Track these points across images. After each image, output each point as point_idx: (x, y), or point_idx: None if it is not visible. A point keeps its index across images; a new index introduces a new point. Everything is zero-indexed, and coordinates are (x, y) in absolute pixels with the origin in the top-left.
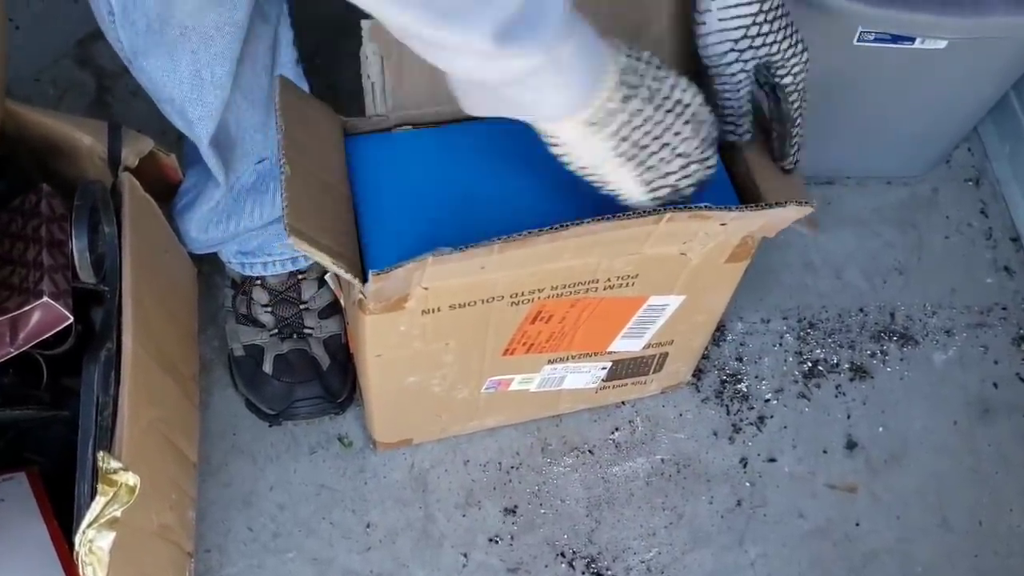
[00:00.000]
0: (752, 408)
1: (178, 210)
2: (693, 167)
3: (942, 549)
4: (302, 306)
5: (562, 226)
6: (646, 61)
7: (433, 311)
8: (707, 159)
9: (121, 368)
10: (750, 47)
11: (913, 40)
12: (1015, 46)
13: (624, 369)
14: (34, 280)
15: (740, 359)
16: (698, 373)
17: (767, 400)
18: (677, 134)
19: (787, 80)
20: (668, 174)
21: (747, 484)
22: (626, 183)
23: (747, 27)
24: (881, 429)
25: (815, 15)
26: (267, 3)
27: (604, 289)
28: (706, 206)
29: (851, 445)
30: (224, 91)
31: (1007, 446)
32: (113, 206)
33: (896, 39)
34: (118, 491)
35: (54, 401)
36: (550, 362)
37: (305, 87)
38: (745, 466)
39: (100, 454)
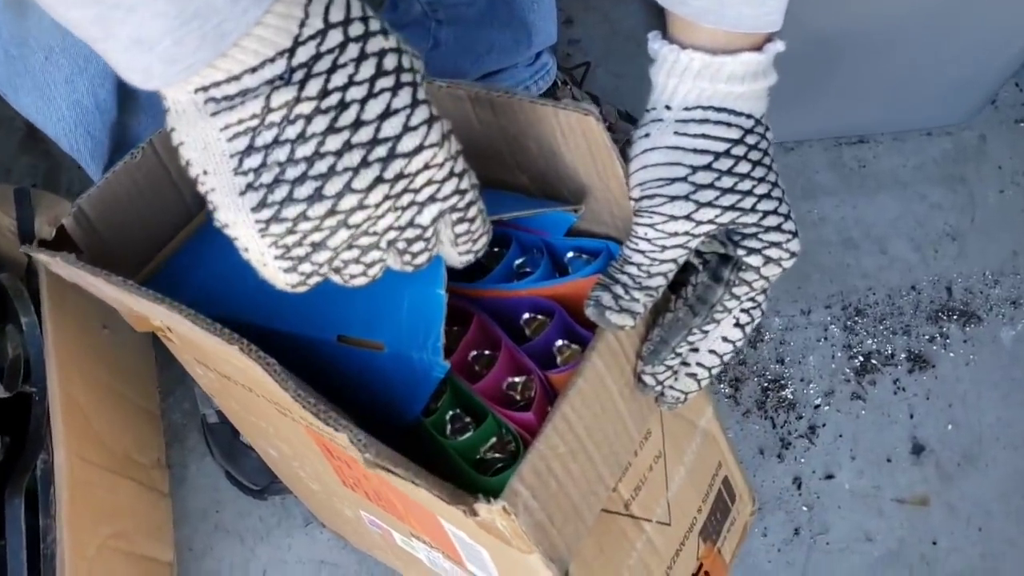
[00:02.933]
0: (801, 417)
1: None
2: (373, 251)
3: None
4: None
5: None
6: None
7: (202, 368)
8: (421, 240)
9: (56, 487)
10: (714, 186)
11: None
12: None
13: None
14: None
15: (781, 361)
16: (735, 383)
17: (817, 406)
18: (359, 169)
19: (752, 261)
20: (321, 244)
21: (803, 508)
22: (252, 245)
23: (717, 154)
24: (950, 427)
25: None
26: None
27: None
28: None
29: (918, 449)
30: (110, 115)
31: None
32: (29, 291)
33: None
34: None
35: None
36: (412, 535)
37: None
38: (799, 487)
39: None
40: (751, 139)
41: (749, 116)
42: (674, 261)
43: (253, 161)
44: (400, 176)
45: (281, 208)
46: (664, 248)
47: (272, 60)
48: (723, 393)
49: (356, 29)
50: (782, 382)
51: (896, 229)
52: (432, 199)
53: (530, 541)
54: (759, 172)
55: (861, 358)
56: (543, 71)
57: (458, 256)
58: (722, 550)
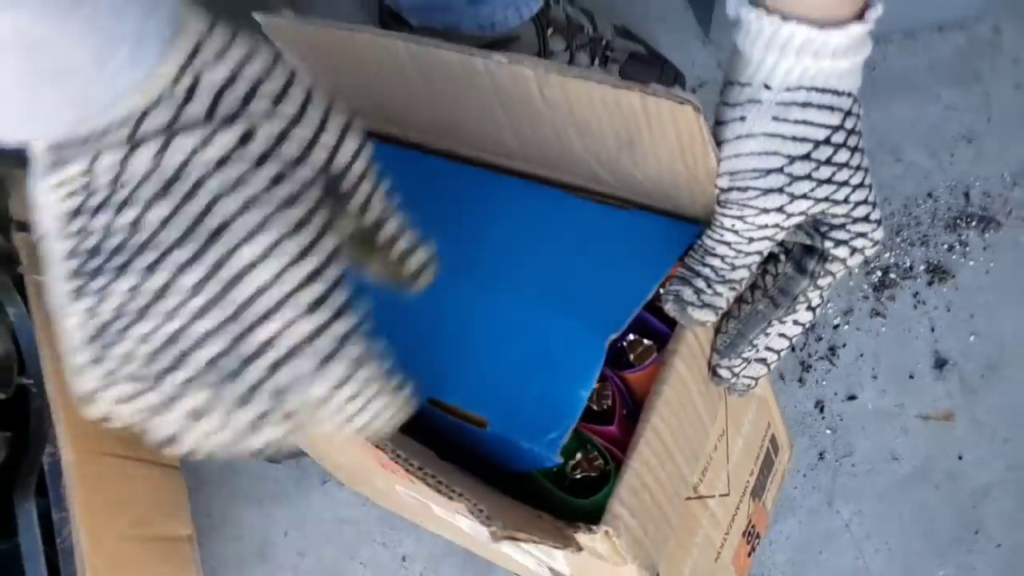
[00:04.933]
0: (820, 339)
1: None
2: (193, 365)
3: None
4: None
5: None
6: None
7: None
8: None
9: (66, 482)
10: (811, 177)
11: None
12: None
13: None
14: None
15: None
16: None
17: (836, 326)
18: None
19: (838, 253)
20: (128, 328)
21: (827, 431)
22: (66, 322)
23: (817, 142)
24: (972, 338)
25: None
26: None
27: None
28: None
29: (940, 364)
30: None
31: None
32: (12, 279)
33: None
34: None
35: (4, 531)
36: (458, 512)
37: None
38: (822, 410)
39: None
40: (850, 122)
41: (849, 95)
42: (759, 253)
43: (78, 224)
44: (232, 282)
45: (92, 278)
46: (752, 240)
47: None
48: None
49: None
50: None
51: (910, 135)
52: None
53: (628, 556)
54: (856, 160)
55: (879, 273)
56: None
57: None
58: (766, 502)
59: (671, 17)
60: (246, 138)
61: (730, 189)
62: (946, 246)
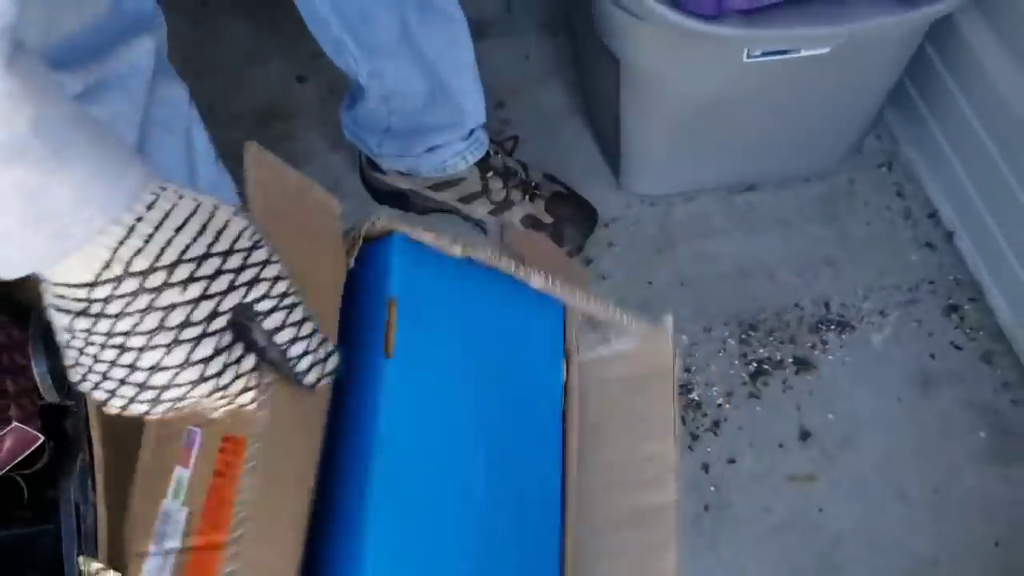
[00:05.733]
0: (706, 415)
1: None
2: None
3: (904, 521)
4: None
5: None
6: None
7: None
8: None
9: (94, 479)
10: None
11: (798, 50)
12: (890, 43)
13: None
14: (2, 407)
15: (688, 370)
16: None
17: (719, 405)
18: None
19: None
20: None
21: (711, 488)
22: None
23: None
24: (831, 416)
25: (704, 41)
26: (169, 119)
27: None
28: None
29: (805, 436)
30: None
31: (951, 413)
32: None
33: (782, 52)
34: None
35: (38, 516)
36: None
37: (228, 180)
38: (707, 471)
39: (79, 559)
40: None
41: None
42: None
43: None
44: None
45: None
46: None
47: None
48: None
49: (154, 280)
50: (690, 387)
51: (782, 260)
52: None
53: None
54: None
55: (755, 364)
56: (476, 143)
57: None
58: None
59: (590, 169)
60: (186, 283)
61: None
62: (810, 344)
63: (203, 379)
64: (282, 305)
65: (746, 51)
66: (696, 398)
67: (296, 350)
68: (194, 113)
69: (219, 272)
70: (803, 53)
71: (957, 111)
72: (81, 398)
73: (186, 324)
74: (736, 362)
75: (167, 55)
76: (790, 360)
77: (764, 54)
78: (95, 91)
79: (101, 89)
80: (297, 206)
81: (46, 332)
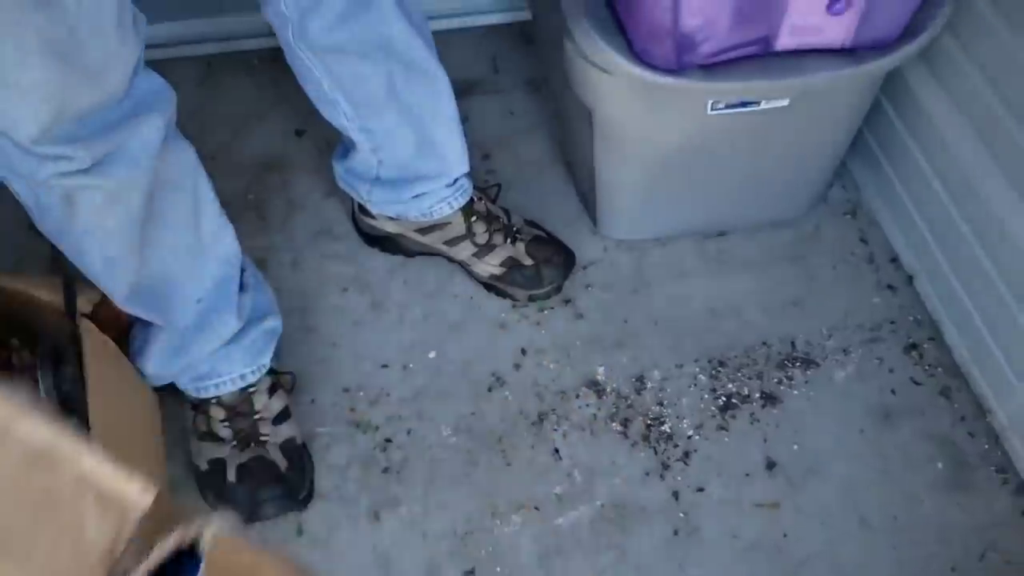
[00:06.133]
0: (677, 446)
1: (133, 351)
2: None
3: (865, 547)
4: (255, 416)
5: None
6: None
7: None
8: None
9: None
10: None
11: (759, 103)
12: (844, 96)
13: None
14: None
15: (661, 403)
16: (625, 422)
17: (690, 436)
18: None
19: None
20: None
21: (681, 515)
22: None
23: None
24: (796, 447)
25: (669, 95)
26: (178, 178)
27: None
28: None
29: (771, 466)
30: (126, 263)
31: (910, 445)
32: (76, 350)
33: (743, 104)
34: None
35: None
36: None
37: (229, 230)
38: (677, 499)
39: None
40: None
41: None
42: None
43: None
44: None
45: None
46: None
47: None
48: (615, 430)
49: None
50: (662, 419)
51: (751, 299)
52: None
53: None
54: None
55: (724, 398)
56: (461, 190)
57: None
58: None
59: (569, 215)
60: None
61: None
62: (776, 380)
63: None
64: None
65: (709, 104)
66: (668, 430)
67: None
68: (201, 170)
69: None
70: (764, 106)
71: (912, 161)
72: (82, 417)
73: None
74: (706, 396)
75: (176, 121)
76: (757, 395)
77: (727, 107)
78: (104, 164)
79: (109, 163)
80: None
81: (55, 354)
